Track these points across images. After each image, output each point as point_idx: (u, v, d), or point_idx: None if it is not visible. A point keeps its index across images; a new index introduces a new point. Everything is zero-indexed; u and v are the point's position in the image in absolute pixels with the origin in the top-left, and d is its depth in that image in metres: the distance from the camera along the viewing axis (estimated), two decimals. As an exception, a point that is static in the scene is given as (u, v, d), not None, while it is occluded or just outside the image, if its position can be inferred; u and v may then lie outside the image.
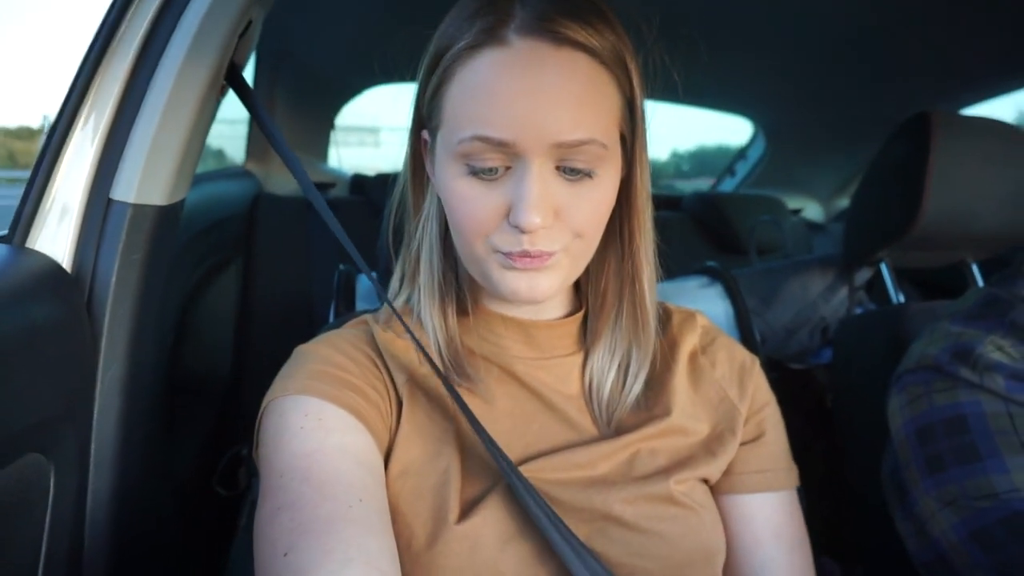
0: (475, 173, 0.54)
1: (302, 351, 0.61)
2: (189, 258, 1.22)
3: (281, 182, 1.91)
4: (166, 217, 0.68)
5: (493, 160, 0.53)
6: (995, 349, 0.66)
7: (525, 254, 0.54)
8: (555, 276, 0.57)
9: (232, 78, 0.71)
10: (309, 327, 1.51)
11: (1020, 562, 0.57)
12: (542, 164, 0.53)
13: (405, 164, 0.65)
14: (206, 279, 1.37)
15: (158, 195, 0.66)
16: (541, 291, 0.56)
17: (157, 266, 0.69)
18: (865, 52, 1.60)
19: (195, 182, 1.39)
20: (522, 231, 0.53)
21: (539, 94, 0.51)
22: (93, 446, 0.64)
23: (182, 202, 0.73)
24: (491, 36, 0.52)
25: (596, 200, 0.56)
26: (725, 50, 1.61)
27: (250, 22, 0.67)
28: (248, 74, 1.70)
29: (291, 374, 0.58)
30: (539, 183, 0.52)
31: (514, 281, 0.56)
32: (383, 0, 1.46)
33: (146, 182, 0.64)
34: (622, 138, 0.58)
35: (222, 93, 0.73)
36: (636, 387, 0.64)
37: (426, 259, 0.63)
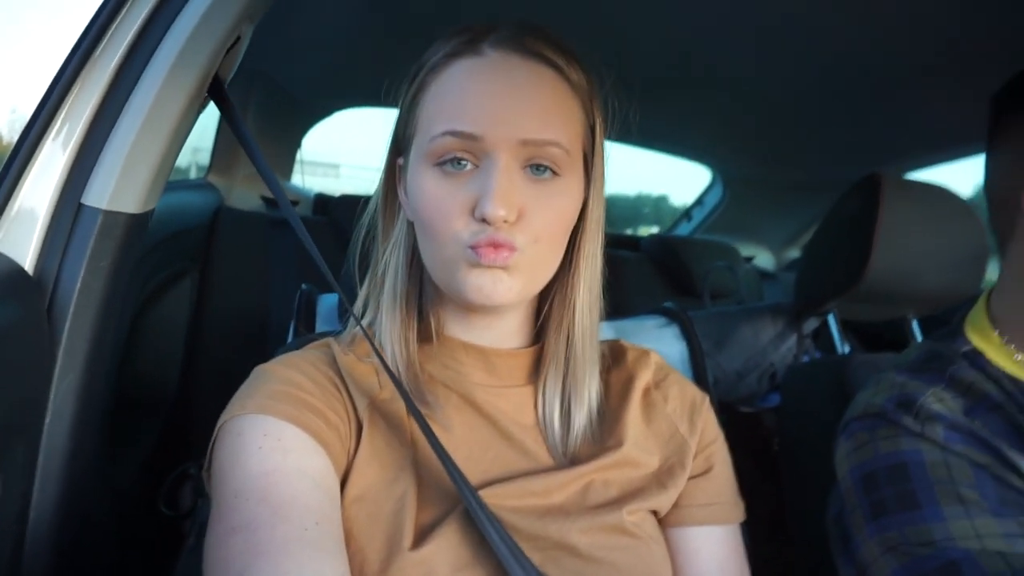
0: (444, 171, 0.57)
1: (262, 370, 0.60)
2: (144, 268, 1.19)
3: (244, 197, 1.89)
4: (136, 226, 0.67)
5: (462, 156, 0.56)
6: (936, 400, 0.69)
7: (492, 242, 0.55)
8: (516, 279, 0.57)
9: (215, 92, 0.71)
10: (263, 346, 1.48)
11: None
12: (509, 161, 0.56)
13: (378, 190, 0.66)
14: (160, 290, 1.34)
15: (131, 203, 0.65)
16: (501, 292, 0.57)
17: (122, 275, 0.68)
18: (821, 113, 1.68)
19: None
20: (488, 224, 0.55)
21: (509, 95, 0.56)
22: (41, 457, 0.62)
23: (152, 211, 0.72)
24: (467, 47, 0.57)
25: (559, 206, 0.59)
26: (688, 100, 1.68)
27: (238, 37, 0.68)
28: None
29: (250, 393, 0.57)
30: (505, 177, 0.55)
31: (479, 278, 0.56)
32: (359, 24, 1.47)
33: (120, 189, 0.63)
34: (584, 159, 0.62)
35: (203, 106, 0.72)
36: (579, 420, 0.65)
37: (390, 283, 0.64)
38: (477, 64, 0.57)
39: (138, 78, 0.62)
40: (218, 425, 0.56)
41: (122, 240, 0.65)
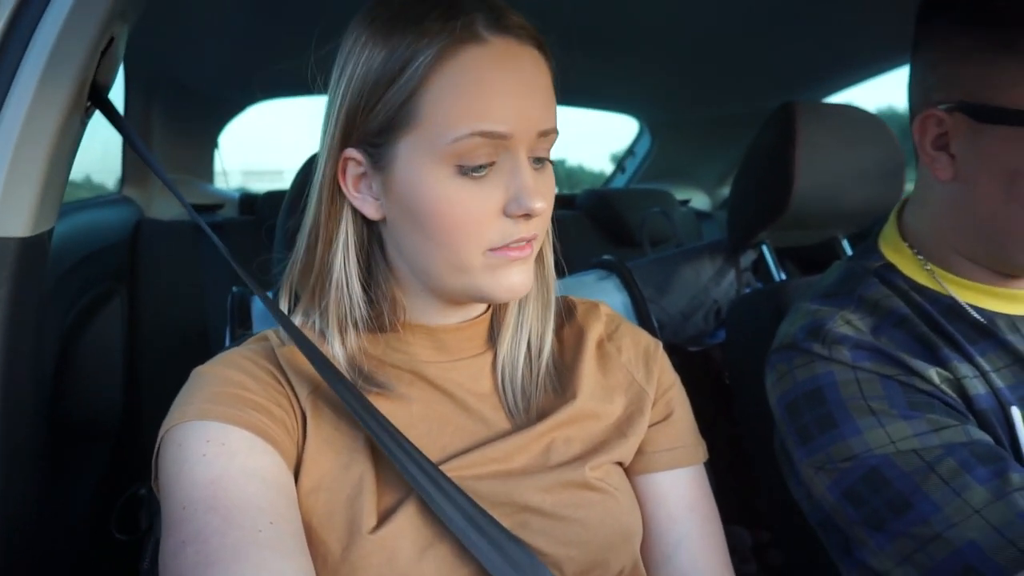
0: (465, 173, 0.55)
1: (199, 373, 0.59)
2: (64, 292, 1.14)
3: (165, 207, 1.83)
4: (31, 249, 0.63)
5: (485, 156, 0.55)
6: (844, 323, 0.71)
7: (523, 238, 0.57)
8: (531, 266, 0.61)
9: (97, 99, 0.67)
10: (206, 355, 1.44)
11: (882, 512, 0.63)
12: (525, 154, 0.56)
13: (318, 189, 0.61)
14: (86, 313, 1.29)
15: (19, 226, 0.62)
16: (526, 284, 0.60)
17: (26, 302, 0.64)
18: (736, 50, 1.69)
19: (65, 211, 1.31)
20: (531, 216, 0.57)
21: (523, 87, 0.55)
22: None
23: (50, 232, 0.69)
24: (468, 34, 0.54)
25: (551, 186, 0.60)
26: (608, 52, 1.67)
27: (112, 39, 0.64)
28: (119, 94, 1.61)
29: (188, 399, 0.56)
30: (529, 170, 0.56)
31: (507, 279, 0.58)
32: (259, 15, 1.42)
33: (4, 212, 0.59)
34: None
35: (87, 115, 0.68)
36: (542, 365, 0.66)
37: (343, 287, 0.61)
38: (485, 54, 0.54)
39: (6, 93, 0.58)
40: (159, 436, 0.54)
41: (17, 266, 0.61)
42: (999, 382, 0.67)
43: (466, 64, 0.54)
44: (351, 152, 0.59)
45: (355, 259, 0.62)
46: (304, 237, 0.63)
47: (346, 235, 0.61)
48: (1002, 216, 0.66)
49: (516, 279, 0.59)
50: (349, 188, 0.60)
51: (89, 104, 0.67)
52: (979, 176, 0.66)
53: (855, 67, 1.87)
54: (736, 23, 1.50)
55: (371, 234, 0.63)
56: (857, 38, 1.60)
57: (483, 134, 0.54)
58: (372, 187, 0.60)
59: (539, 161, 0.58)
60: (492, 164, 0.56)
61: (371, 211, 0.60)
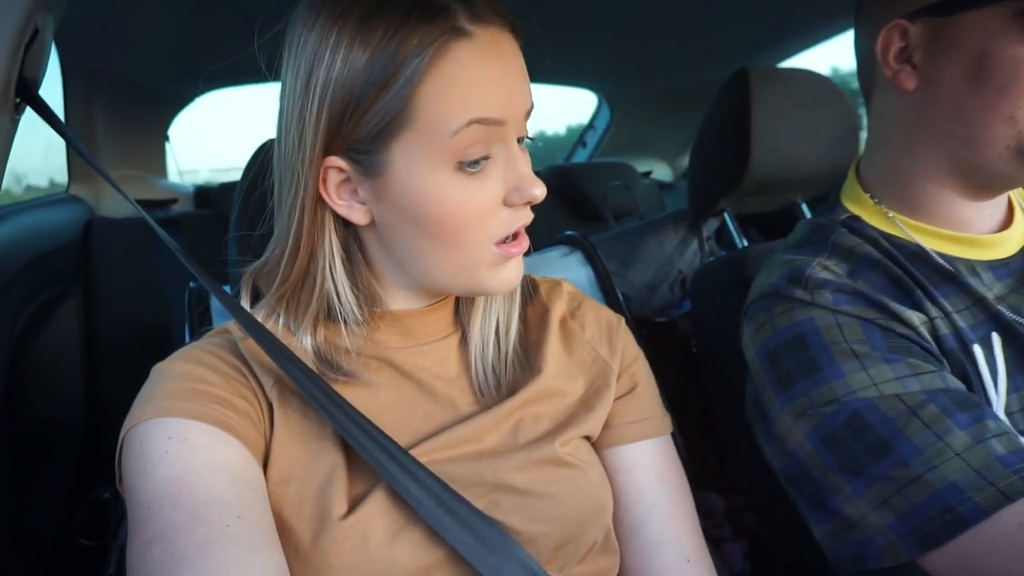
0: (463, 169, 0.55)
1: (158, 370, 0.58)
2: (12, 298, 1.11)
3: (116, 204, 1.78)
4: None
5: (482, 149, 0.55)
6: (822, 269, 0.73)
7: (522, 228, 0.59)
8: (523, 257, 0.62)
9: (27, 95, 0.64)
10: (168, 352, 1.41)
11: (861, 457, 0.64)
12: (515, 142, 0.58)
13: (299, 204, 0.58)
14: (38, 318, 1.25)
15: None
16: (521, 274, 0.62)
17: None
18: (692, 19, 1.69)
19: (7, 214, 1.27)
20: (534, 202, 0.58)
21: (509, 73, 0.56)
22: None
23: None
24: (456, 31, 0.53)
25: (529, 165, 0.61)
26: (566, 28, 1.65)
27: (36, 31, 0.61)
28: (57, 91, 1.55)
29: (148, 397, 0.55)
30: (525, 159, 0.58)
31: (506, 273, 0.59)
32: (198, 5, 1.36)
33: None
34: None
35: (17, 112, 0.65)
36: (510, 345, 0.67)
37: (332, 293, 0.60)
38: (472, 47, 0.54)
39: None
40: (121, 436, 0.53)
41: None
42: (961, 322, 0.68)
43: (459, 60, 0.53)
44: (333, 160, 0.56)
45: (341, 265, 0.60)
46: (285, 248, 0.60)
47: (330, 243, 0.60)
48: (969, 107, 0.67)
49: (514, 273, 0.60)
50: (332, 197, 0.58)
51: (19, 101, 0.64)
52: (944, 70, 0.68)
53: (807, 31, 1.88)
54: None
55: (348, 236, 0.62)
56: (808, 2, 1.60)
57: (480, 121, 0.53)
58: (358, 192, 0.58)
59: (519, 140, 0.59)
60: (487, 158, 0.56)
61: (359, 217, 0.58)
